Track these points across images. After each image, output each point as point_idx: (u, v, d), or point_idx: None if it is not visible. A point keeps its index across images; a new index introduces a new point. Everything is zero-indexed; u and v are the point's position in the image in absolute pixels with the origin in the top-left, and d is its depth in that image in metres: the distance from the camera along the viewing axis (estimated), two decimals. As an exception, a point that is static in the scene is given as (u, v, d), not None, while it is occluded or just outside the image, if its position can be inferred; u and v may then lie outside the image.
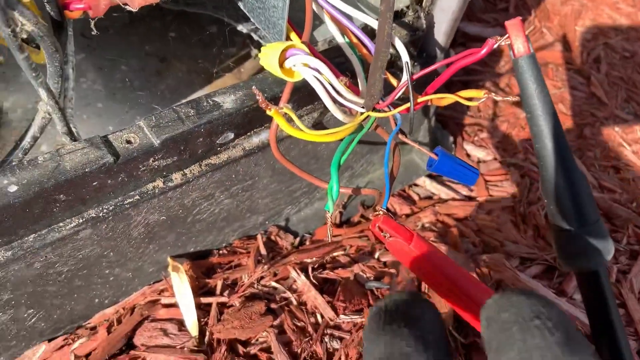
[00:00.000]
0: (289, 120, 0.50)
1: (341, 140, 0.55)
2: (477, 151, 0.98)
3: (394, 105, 0.53)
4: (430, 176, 0.92)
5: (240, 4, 0.63)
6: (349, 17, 0.57)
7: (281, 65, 0.51)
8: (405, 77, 0.51)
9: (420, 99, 0.51)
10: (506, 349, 0.29)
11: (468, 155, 0.98)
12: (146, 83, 0.75)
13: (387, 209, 0.87)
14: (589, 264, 0.47)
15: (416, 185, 0.91)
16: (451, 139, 0.94)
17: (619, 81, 1.18)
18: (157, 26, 0.81)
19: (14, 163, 0.55)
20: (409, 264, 0.49)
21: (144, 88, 0.74)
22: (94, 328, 0.62)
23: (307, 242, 0.77)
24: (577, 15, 1.31)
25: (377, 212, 0.49)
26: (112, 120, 0.69)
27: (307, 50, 0.51)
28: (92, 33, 0.51)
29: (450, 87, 1.10)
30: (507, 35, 0.46)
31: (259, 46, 0.82)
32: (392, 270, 0.73)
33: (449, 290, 0.49)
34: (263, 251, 0.72)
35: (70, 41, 0.57)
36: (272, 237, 0.75)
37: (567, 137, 1.00)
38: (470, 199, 0.91)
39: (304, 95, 0.61)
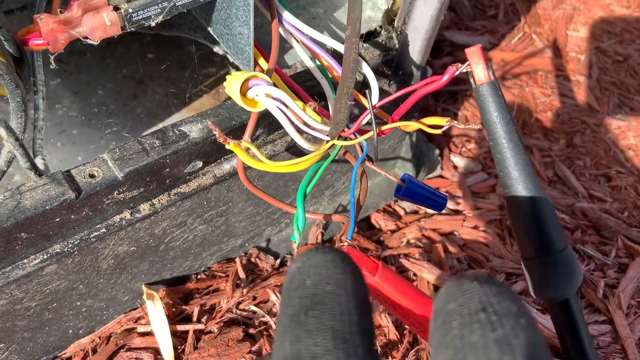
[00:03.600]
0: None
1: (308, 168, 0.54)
2: (464, 162, 0.97)
3: (361, 131, 0.53)
4: (415, 191, 0.91)
5: (210, 30, 0.62)
6: (317, 42, 0.57)
7: (244, 94, 0.51)
8: (368, 105, 0.50)
9: (385, 127, 0.51)
10: (443, 347, 0.25)
11: (455, 167, 0.97)
12: (122, 107, 0.74)
13: (372, 227, 0.85)
14: (555, 293, 0.46)
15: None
16: (437, 151, 0.93)
17: (611, 86, 1.16)
18: (135, 48, 0.81)
19: (-19, 198, 0.55)
20: (375, 295, 0.49)
21: (120, 112, 0.74)
22: (69, 358, 0.62)
23: (289, 263, 0.77)
24: (568, 19, 1.30)
25: (342, 243, 0.48)
26: (87, 147, 0.69)
27: (269, 80, 0.50)
28: (51, 67, 0.51)
29: (438, 96, 1.09)
30: (467, 63, 0.45)
31: (237, 67, 0.82)
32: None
33: (418, 323, 0.48)
34: (242, 274, 0.72)
35: (39, 71, 0.57)
36: (252, 259, 0.75)
37: (553, 154, 0.99)
38: (456, 212, 0.90)
39: (274, 120, 0.60)
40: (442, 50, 1.15)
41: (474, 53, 0.45)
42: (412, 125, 0.50)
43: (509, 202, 0.47)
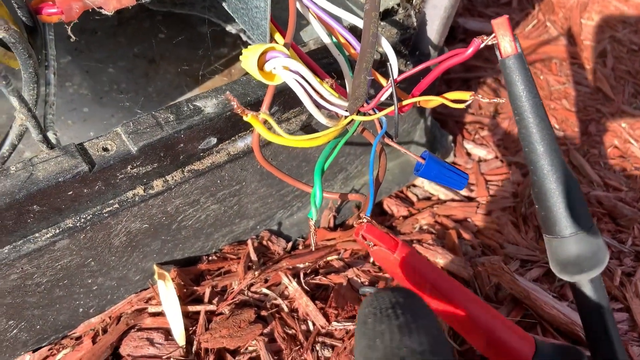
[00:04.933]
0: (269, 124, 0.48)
1: (326, 144, 0.53)
2: (478, 150, 0.96)
3: (380, 107, 0.51)
4: (428, 176, 0.89)
5: (225, 5, 0.61)
6: (335, 17, 0.55)
7: (261, 67, 0.50)
8: (389, 79, 0.49)
9: (406, 102, 0.49)
10: (360, 340, 0.31)
11: (468, 154, 0.95)
12: (134, 86, 0.73)
13: (385, 213, 0.84)
14: (581, 273, 0.45)
15: (414, 185, 0.89)
16: (450, 138, 0.91)
17: (626, 75, 1.14)
18: (146, 27, 0.79)
19: (-9, 172, 0.54)
20: (394, 273, 0.48)
21: (132, 91, 0.72)
22: (79, 338, 0.61)
23: (300, 247, 0.75)
24: (582, 7, 1.28)
25: (361, 220, 0.47)
26: (98, 125, 0.68)
27: (287, 52, 0.49)
28: (71, 39, 0.50)
29: (450, 83, 1.07)
30: (493, 35, 0.44)
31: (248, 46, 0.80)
32: (387, 275, 0.72)
33: (436, 300, 0.47)
34: (254, 257, 0.71)
35: (51, 45, 0.56)
36: (264, 242, 0.74)
37: (558, 139, 0.98)
38: (469, 199, 0.88)
39: (289, 98, 0.59)
40: (456, 37, 1.14)
41: (500, 24, 0.43)
42: (433, 100, 0.49)
43: (534, 178, 0.45)
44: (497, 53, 0.44)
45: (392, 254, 0.46)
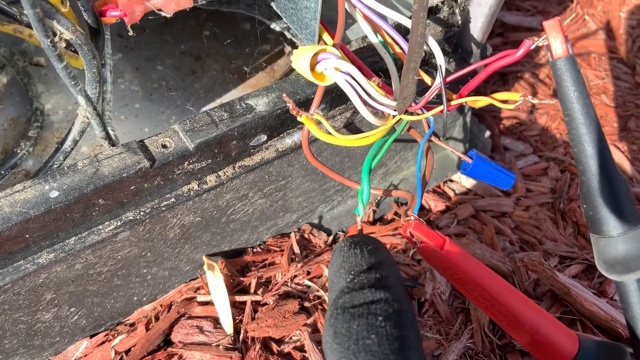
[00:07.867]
0: (321, 124, 0.50)
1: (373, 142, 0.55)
2: (515, 145, 0.96)
3: (427, 107, 0.53)
4: (465, 172, 0.90)
5: (273, 4, 0.63)
6: (381, 16, 0.56)
7: (312, 68, 0.51)
8: (438, 80, 0.50)
9: (454, 102, 0.51)
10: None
11: (506, 149, 0.96)
12: (181, 82, 0.76)
13: (422, 207, 0.85)
14: (629, 273, 0.45)
15: (451, 181, 0.90)
16: (488, 133, 0.92)
17: (666, 70, 1.13)
18: (192, 25, 0.82)
19: (55, 166, 0.57)
20: (442, 270, 0.49)
21: (179, 87, 0.75)
22: (133, 324, 0.64)
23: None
24: (622, 0, 1.26)
25: (408, 218, 0.48)
26: (149, 121, 0.70)
27: (338, 54, 0.50)
28: (130, 34, 0.52)
29: (487, 79, 1.07)
30: (544, 36, 0.44)
31: (292, 44, 0.82)
32: (426, 268, 0.73)
33: (482, 297, 0.48)
34: (296, 249, 0.73)
35: (107, 44, 0.59)
36: (306, 235, 0.76)
37: (607, 139, 0.97)
38: (507, 194, 0.89)
39: (336, 96, 0.61)
40: (493, 31, 1.13)
41: (552, 26, 0.44)
42: (481, 101, 0.49)
43: (582, 178, 0.46)
44: (548, 54, 0.45)
45: (440, 251, 0.47)
